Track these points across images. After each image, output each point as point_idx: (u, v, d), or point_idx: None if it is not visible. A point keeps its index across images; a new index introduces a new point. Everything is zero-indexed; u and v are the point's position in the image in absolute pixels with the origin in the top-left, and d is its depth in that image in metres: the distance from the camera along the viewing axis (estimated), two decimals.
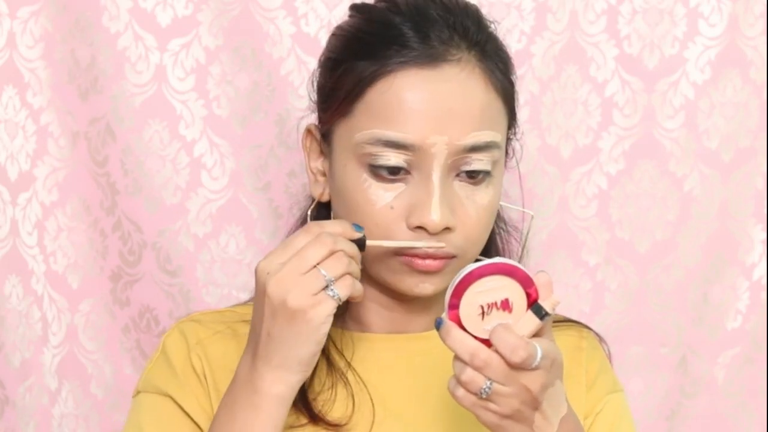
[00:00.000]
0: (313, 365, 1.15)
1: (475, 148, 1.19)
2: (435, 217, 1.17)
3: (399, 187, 1.18)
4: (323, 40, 1.29)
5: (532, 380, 1.07)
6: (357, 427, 1.21)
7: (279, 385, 1.13)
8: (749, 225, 1.66)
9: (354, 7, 1.27)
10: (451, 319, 1.08)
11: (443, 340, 1.08)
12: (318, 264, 1.11)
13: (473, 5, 1.25)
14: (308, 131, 1.26)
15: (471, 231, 1.20)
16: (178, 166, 1.55)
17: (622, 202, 1.64)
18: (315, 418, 1.20)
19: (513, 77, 1.25)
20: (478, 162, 1.19)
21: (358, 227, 1.17)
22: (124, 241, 1.56)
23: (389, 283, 1.22)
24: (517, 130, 1.28)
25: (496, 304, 1.08)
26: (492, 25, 1.25)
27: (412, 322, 1.27)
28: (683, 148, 1.63)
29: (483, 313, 1.08)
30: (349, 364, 1.24)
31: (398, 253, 1.19)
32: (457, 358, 1.08)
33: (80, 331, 1.57)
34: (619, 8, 1.60)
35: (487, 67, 1.21)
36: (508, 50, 1.25)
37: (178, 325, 1.28)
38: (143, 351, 1.57)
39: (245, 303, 1.35)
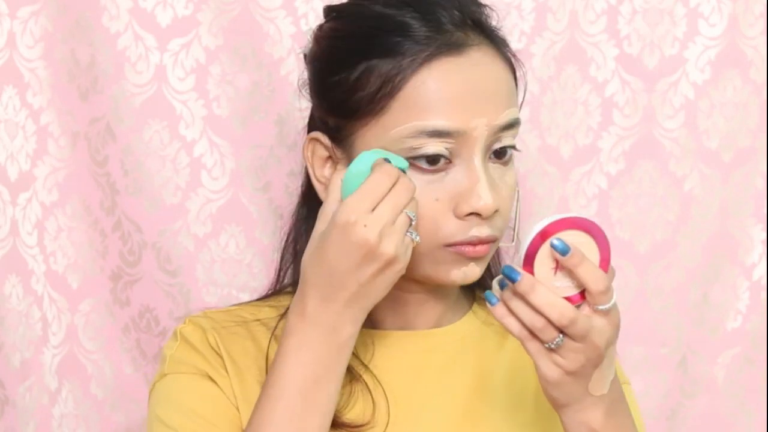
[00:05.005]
0: None
1: (507, 126, 1.20)
2: (488, 200, 1.17)
3: (440, 177, 1.18)
4: None
5: (601, 334, 1.07)
6: (375, 426, 1.21)
7: (355, 326, 1.15)
8: (749, 225, 1.66)
9: (334, 9, 1.26)
10: (525, 271, 1.06)
11: (525, 294, 1.07)
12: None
13: None
14: (313, 140, 1.24)
15: (506, 212, 1.21)
16: (178, 166, 1.55)
17: (622, 202, 1.64)
18: (334, 420, 1.19)
19: (511, 52, 1.26)
20: (507, 139, 1.21)
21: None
22: (124, 241, 1.56)
23: (432, 276, 1.21)
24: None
25: None
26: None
27: (420, 317, 1.28)
28: (683, 148, 1.63)
29: (556, 268, 1.06)
30: (363, 364, 1.24)
31: (447, 244, 1.19)
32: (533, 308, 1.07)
33: (80, 331, 1.57)
34: (619, 8, 1.60)
35: (498, 46, 1.23)
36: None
37: (191, 319, 1.28)
38: (143, 351, 1.57)
39: (245, 303, 1.35)
